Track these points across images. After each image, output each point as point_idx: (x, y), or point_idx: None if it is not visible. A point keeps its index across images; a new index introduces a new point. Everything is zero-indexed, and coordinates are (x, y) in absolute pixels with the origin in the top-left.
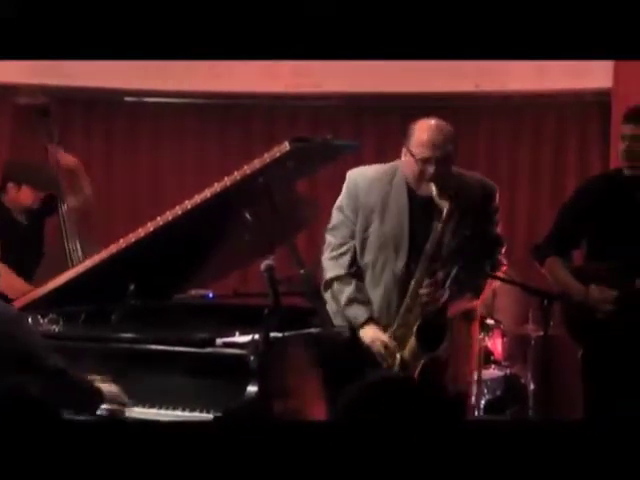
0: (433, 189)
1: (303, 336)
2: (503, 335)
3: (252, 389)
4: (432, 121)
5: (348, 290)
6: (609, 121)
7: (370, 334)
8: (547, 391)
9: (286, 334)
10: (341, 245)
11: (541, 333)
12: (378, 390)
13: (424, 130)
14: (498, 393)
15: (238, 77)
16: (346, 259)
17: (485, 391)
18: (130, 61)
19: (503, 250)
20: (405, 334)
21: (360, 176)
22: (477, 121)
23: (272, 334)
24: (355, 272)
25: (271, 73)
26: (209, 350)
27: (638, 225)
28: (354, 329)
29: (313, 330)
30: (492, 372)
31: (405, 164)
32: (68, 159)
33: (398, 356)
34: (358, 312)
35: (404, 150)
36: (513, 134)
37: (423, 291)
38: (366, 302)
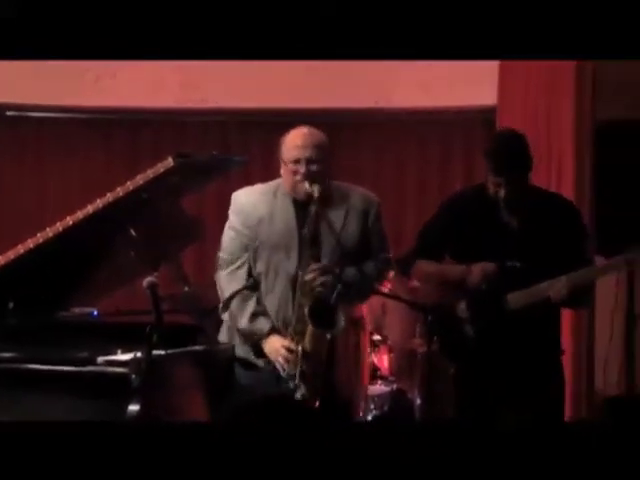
0: (306, 184)
1: (187, 354)
2: (390, 351)
3: (134, 408)
4: (302, 128)
5: (250, 304)
6: None
7: (272, 345)
8: (432, 406)
9: (169, 352)
10: (235, 260)
11: (426, 348)
12: (254, 410)
13: (292, 135)
14: (385, 408)
15: (124, 91)
16: (242, 272)
17: (372, 406)
18: (11, 75)
19: (390, 255)
20: (303, 327)
21: (245, 194)
22: (362, 137)
23: (155, 352)
24: (252, 285)
25: (158, 88)
26: (90, 369)
27: (501, 241)
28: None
29: (198, 348)
30: (379, 388)
31: (283, 175)
32: None
33: (300, 348)
34: (262, 325)
35: (280, 162)
36: (398, 151)
37: (309, 276)
38: (267, 314)
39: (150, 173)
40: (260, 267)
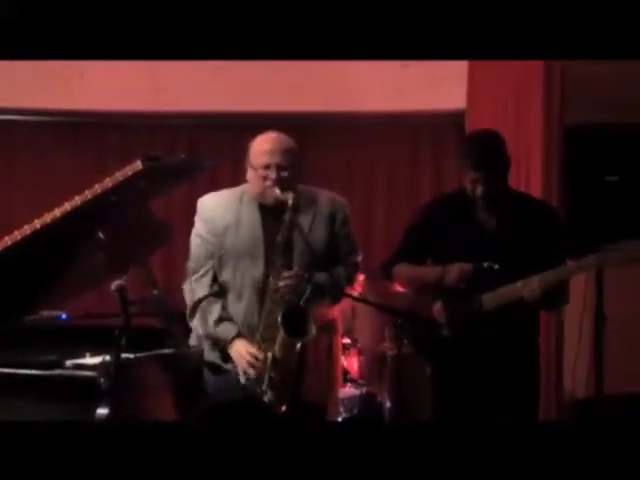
0: (276, 190)
1: (156, 357)
2: (359, 354)
3: (102, 411)
4: (270, 133)
5: (215, 310)
6: None
7: (237, 350)
8: (402, 409)
9: (138, 355)
10: (200, 267)
11: (396, 351)
12: (220, 413)
13: (261, 140)
14: (355, 412)
15: (94, 94)
16: (207, 279)
17: (342, 410)
18: None
19: (359, 258)
20: (272, 333)
21: (210, 201)
22: (333, 140)
23: (123, 355)
24: (217, 292)
25: (127, 91)
26: (58, 372)
27: (478, 243)
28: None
29: (166, 351)
30: (348, 391)
31: (250, 179)
32: None
33: (269, 355)
34: (227, 329)
35: (247, 167)
36: (369, 154)
37: (281, 283)
38: (232, 319)
39: (119, 176)
40: (226, 274)
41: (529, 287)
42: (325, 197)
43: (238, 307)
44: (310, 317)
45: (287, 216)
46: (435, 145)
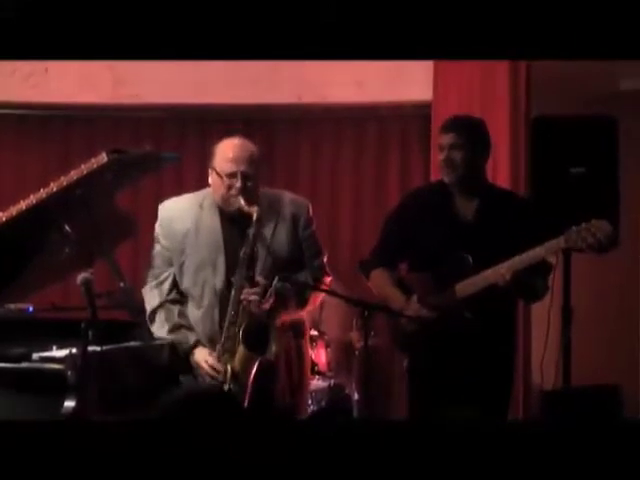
0: (241, 201)
1: (123, 350)
2: (327, 346)
3: (69, 404)
4: (234, 139)
5: (172, 317)
6: (429, 133)
7: (197, 359)
8: (370, 400)
9: (105, 348)
10: (159, 274)
11: (363, 343)
12: (184, 404)
13: (227, 147)
14: (323, 404)
15: (56, 87)
16: (165, 287)
17: (310, 402)
18: None
19: (325, 259)
20: (233, 345)
21: (171, 207)
22: (298, 133)
23: (90, 348)
24: (176, 299)
25: (90, 84)
26: (25, 365)
27: (455, 234)
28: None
29: (133, 344)
30: (316, 383)
31: (212, 184)
32: None
33: (229, 367)
34: (185, 337)
35: (210, 171)
36: (334, 147)
37: (244, 296)
38: (191, 327)
39: (84, 169)
40: (187, 282)
41: (498, 273)
42: (286, 200)
43: (198, 316)
44: (272, 333)
45: (251, 232)
46: (401, 137)
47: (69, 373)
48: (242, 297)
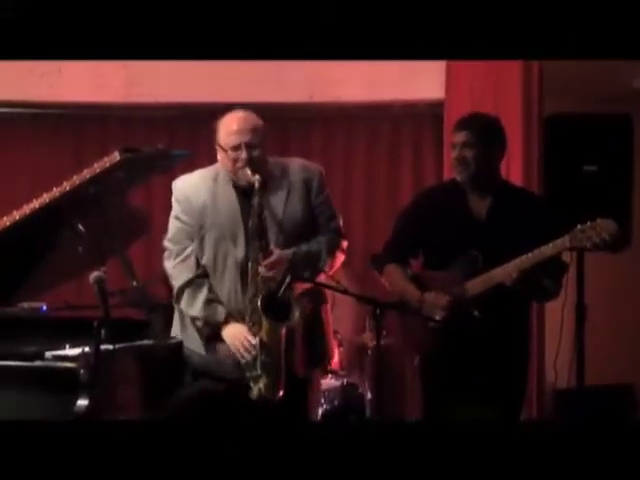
0: (247, 171)
1: (135, 348)
2: (340, 344)
3: (82, 403)
4: (236, 112)
5: (202, 292)
6: (442, 132)
7: (231, 332)
8: (383, 400)
9: (117, 346)
10: (183, 250)
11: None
12: (195, 402)
13: (228, 120)
14: (336, 403)
15: (69, 87)
16: (191, 262)
17: (323, 401)
18: None
19: (340, 222)
20: (259, 318)
21: (185, 182)
22: (310, 132)
23: (103, 347)
24: (203, 273)
25: (103, 83)
26: (38, 364)
27: (468, 232)
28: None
29: (146, 342)
30: (329, 382)
31: (220, 160)
32: None
33: (257, 340)
34: (217, 311)
35: (217, 148)
36: (347, 146)
37: (261, 269)
38: (220, 301)
39: (97, 167)
40: (208, 256)
41: (506, 271)
42: (297, 166)
43: (221, 288)
44: (290, 300)
45: (255, 200)
46: (414, 136)
47: (82, 371)
48: (260, 270)
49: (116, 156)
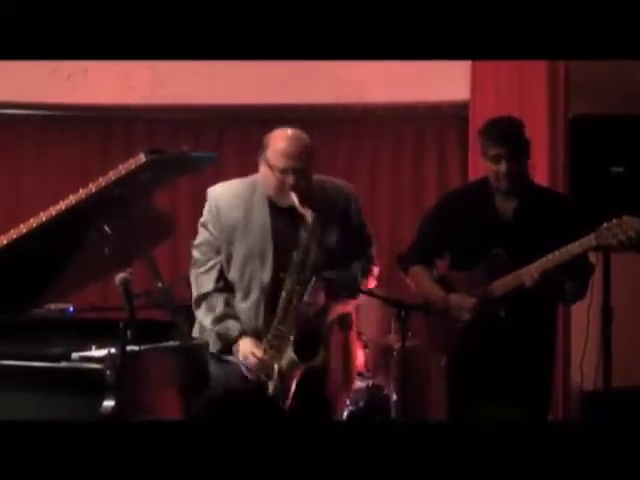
0: (294, 199)
1: (161, 350)
2: (365, 346)
3: (108, 404)
4: (288, 131)
5: (219, 306)
6: (467, 133)
7: (244, 348)
8: (408, 401)
9: (143, 348)
10: (207, 261)
11: (401, 344)
12: (222, 404)
13: (280, 140)
14: (361, 404)
15: (95, 88)
16: (213, 275)
17: (348, 402)
18: None
19: (374, 247)
20: (280, 345)
21: (221, 194)
22: (336, 133)
23: (129, 348)
24: (224, 287)
25: (129, 84)
26: (64, 365)
27: (495, 233)
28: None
29: (171, 343)
30: (355, 383)
31: (264, 176)
32: None
33: (276, 367)
34: (231, 326)
35: (261, 162)
36: (372, 147)
37: (301, 308)
38: (237, 317)
39: (122, 169)
40: (234, 273)
41: (528, 272)
42: (334, 188)
43: (244, 307)
44: (321, 342)
45: (305, 236)
46: (439, 137)
47: (108, 372)
48: (299, 308)
49: (142, 157)
